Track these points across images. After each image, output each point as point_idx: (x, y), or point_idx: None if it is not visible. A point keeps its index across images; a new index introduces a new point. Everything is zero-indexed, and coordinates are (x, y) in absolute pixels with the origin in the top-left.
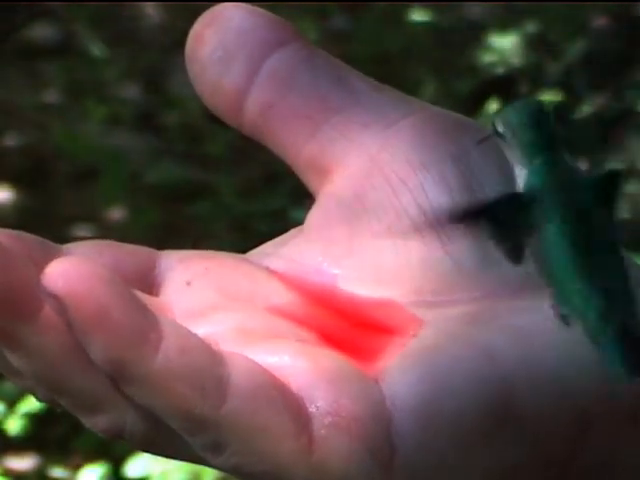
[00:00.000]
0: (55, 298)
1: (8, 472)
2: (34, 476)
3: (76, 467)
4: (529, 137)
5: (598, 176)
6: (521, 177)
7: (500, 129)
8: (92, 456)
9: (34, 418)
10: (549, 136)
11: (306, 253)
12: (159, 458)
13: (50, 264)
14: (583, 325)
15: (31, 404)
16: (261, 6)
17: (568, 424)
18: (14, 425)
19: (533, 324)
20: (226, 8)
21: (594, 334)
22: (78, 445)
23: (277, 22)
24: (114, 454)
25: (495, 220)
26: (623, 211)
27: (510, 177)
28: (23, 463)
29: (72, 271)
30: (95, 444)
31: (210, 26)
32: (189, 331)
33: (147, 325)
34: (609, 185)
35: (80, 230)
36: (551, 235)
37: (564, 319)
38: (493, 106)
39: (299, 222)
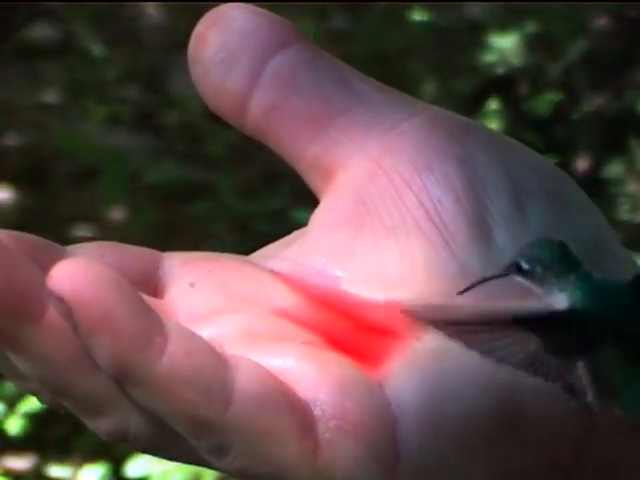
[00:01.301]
0: (61, 300)
1: (8, 472)
2: (34, 476)
3: (76, 467)
4: (564, 267)
5: (628, 280)
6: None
7: (525, 266)
8: (92, 456)
9: (34, 418)
10: (577, 261)
11: (310, 255)
12: (159, 458)
13: (56, 266)
14: None
15: (31, 404)
16: (261, 6)
17: (573, 426)
18: (14, 425)
19: None
20: (229, 9)
21: None
22: (78, 445)
23: (280, 23)
24: (114, 454)
25: (553, 332)
26: (623, 211)
27: (515, 180)
28: (23, 463)
29: (78, 273)
30: (95, 444)
31: (213, 27)
32: (194, 334)
33: (152, 328)
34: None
35: (80, 230)
36: (611, 350)
37: (636, 426)
38: (493, 106)
39: (299, 222)
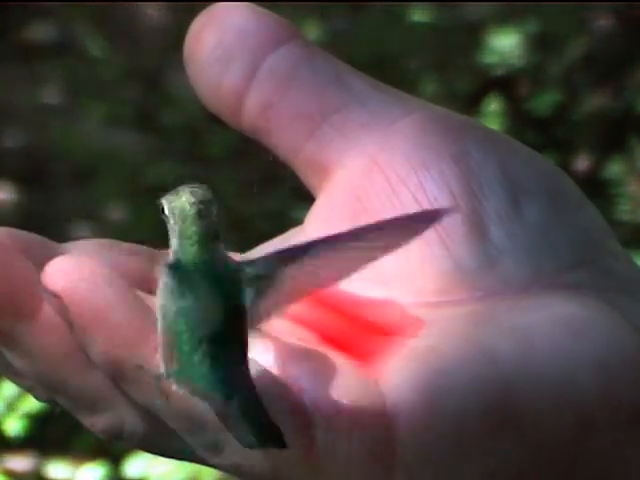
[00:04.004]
0: (56, 297)
1: (8, 472)
2: (34, 476)
3: (76, 467)
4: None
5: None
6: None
7: (166, 212)
8: (92, 456)
9: (34, 418)
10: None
11: None
12: (159, 458)
13: (50, 262)
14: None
15: (31, 404)
16: (261, 6)
17: (570, 426)
18: (14, 425)
19: (534, 325)
20: (225, 7)
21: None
22: (78, 445)
23: (276, 21)
24: (114, 454)
25: None
26: (623, 211)
27: (511, 177)
28: (23, 463)
29: (73, 270)
30: (95, 444)
31: (209, 25)
32: None
33: (147, 325)
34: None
35: (80, 230)
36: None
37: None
38: (493, 106)
39: (299, 222)
